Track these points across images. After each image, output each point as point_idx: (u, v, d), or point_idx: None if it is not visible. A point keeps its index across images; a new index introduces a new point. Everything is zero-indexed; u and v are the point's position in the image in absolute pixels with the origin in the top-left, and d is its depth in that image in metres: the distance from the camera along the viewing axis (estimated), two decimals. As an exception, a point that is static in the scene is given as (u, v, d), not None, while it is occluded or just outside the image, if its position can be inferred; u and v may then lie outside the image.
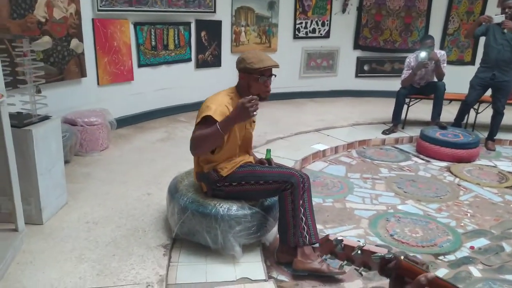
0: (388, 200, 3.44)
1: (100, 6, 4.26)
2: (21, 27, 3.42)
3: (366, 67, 7.03)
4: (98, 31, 4.31)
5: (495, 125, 4.83)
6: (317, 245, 2.32)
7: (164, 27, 5.05)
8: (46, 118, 2.65)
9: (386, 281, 0.95)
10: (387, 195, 3.53)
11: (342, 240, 0.97)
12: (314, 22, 6.59)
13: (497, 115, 4.77)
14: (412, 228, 2.95)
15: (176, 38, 5.21)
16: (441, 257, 2.63)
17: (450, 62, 6.32)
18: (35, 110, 2.61)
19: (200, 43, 5.53)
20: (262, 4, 6.11)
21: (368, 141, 4.86)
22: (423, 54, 4.78)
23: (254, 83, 2.28)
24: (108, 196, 3.04)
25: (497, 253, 2.69)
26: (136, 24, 4.74)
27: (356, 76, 7.04)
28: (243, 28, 6.02)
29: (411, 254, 2.62)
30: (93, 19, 4.25)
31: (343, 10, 6.69)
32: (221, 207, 2.31)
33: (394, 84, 5.44)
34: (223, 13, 5.70)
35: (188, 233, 2.41)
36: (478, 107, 5.15)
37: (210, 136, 2.13)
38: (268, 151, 2.60)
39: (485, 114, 5.07)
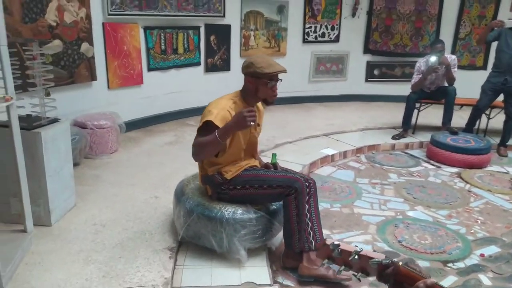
0: (397, 206, 3.40)
1: (111, 11, 4.31)
2: (32, 31, 3.48)
3: (376, 72, 6.99)
4: (108, 35, 4.36)
5: (507, 131, 4.75)
6: (323, 250, 2.30)
7: (173, 31, 5.09)
8: (55, 120, 2.68)
9: None
10: (396, 201, 3.49)
11: (339, 245, 0.96)
12: (323, 26, 6.58)
13: (509, 120, 4.69)
14: (421, 235, 2.91)
15: (185, 42, 5.25)
16: (450, 264, 2.58)
17: (461, 67, 6.27)
18: (44, 112, 2.65)
19: (209, 47, 5.55)
20: (271, 8, 6.13)
21: (378, 146, 4.82)
22: (433, 59, 4.74)
23: (262, 87, 2.29)
24: (116, 199, 3.06)
25: (508, 261, 2.63)
26: (146, 28, 4.79)
27: (366, 80, 7.00)
28: (252, 32, 6.04)
29: (419, 261, 2.59)
30: (103, 23, 4.31)
31: (353, 14, 6.67)
32: (226, 211, 2.31)
33: (404, 89, 5.38)
34: (233, 17, 5.73)
35: (194, 236, 2.41)
36: (490, 112, 5.09)
37: (209, 144, 2.17)
38: (274, 155, 2.59)
39: (497, 120, 5.00)
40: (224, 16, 5.57)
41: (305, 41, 6.54)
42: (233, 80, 5.47)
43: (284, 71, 2.30)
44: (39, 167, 2.50)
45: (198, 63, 5.50)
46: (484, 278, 2.45)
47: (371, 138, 5.00)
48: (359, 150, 4.65)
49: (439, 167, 4.34)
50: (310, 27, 6.51)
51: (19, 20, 3.36)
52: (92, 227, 2.65)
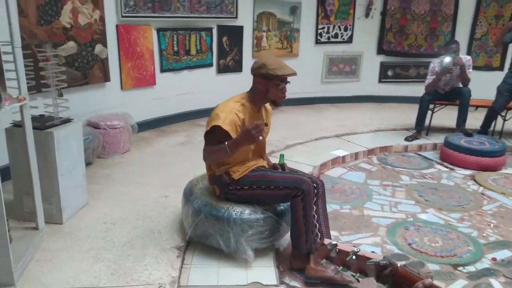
0: (408, 208, 3.36)
1: (124, 13, 4.37)
2: (47, 33, 3.56)
3: (390, 72, 6.92)
4: (122, 37, 4.42)
5: (523, 133, 4.66)
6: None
7: (186, 33, 5.13)
8: (68, 121, 2.73)
9: None
10: (407, 203, 3.45)
11: (336, 245, 0.96)
12: (336, 27, 6.55)
13: (526, 122, 4.60)
14: (431, 238, 2.87)
15: (198, 43, 5.28)
16: (460, 268, 2.54)
17: (477, 68, 6.16)
18: (57, 113, 2.70)
19: (221, 49, 5.58)
20: (284, 9, 6.13)
21: (390, 147, 4.77)
22: (447, 59, 4.67)
23: (273, 89, 2.31)
24: (127, 198, 3.11)
25: (521, 266, 2.58)
26: (159, 30, 4.84)
27: (380, 81, 6.93)
28: (264, 33, 6.05)
29: (429, 264, 2.56)
30: (117, 25, 4.37)
31: (367, 15, 6.62)
32: (233, 211, 2.32)
33: (419, 90, 5.30)
34: (245, 19, 5.74)
35: (202, 236, 2.43)
36: (506, 114, 4.99)
37: (219, 153, 2.25)
38: (282, 156, 2.59)
39: (514, 121, 4.91)
40: (236, 17, 5.59)
41: (317, 42, 6.51)
42: (245, 81, 5.44)
43: (295, 74, 2.31)
44: (51, 166, 2.55)
45: (211, 64, 5.53)
46: (495, 283, 2.41)
47: (383, 139, 4.95)
48: (370, 152, 4.61)
49: (452, 169, 4.28)
50: (323, 27, 6.48)
51: (35, 22, 3.44)
52: (103, 225, 2.69)
